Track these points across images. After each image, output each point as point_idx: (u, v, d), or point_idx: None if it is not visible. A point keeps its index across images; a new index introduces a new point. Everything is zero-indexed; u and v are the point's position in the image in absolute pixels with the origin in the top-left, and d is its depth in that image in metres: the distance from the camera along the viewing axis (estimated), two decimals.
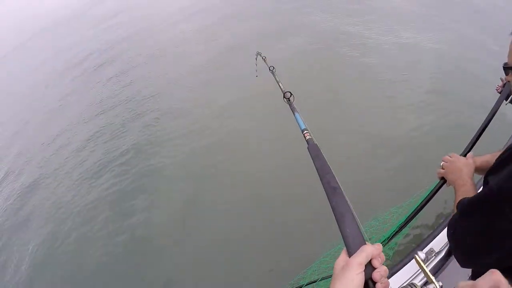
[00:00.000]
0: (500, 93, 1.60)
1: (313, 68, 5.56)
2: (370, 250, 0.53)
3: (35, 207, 4.56)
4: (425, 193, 1.40)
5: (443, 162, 1.31)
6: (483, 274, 0.61)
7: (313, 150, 0.81)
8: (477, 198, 0.78)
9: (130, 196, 4.04)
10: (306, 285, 1.48)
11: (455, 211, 0.98)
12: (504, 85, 1.65)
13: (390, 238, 1.35)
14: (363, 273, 0.52)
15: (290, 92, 1.17)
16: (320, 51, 6.02)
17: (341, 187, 0.66)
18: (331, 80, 5.16)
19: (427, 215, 2.63)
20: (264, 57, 2.13)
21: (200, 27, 8.79)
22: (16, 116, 7.67)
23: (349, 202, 0.62)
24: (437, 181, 1.36)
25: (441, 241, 1.51)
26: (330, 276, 1.56)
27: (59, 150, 5.61)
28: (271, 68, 1.72)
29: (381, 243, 1.34)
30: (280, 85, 1.43)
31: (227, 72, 6.07)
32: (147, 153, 4.68)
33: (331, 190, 0.66)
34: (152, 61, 7.80)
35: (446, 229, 1.58)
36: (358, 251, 0.53)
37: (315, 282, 1.49)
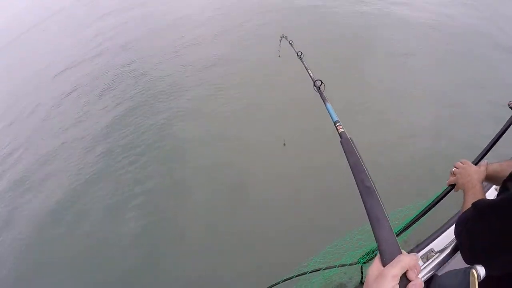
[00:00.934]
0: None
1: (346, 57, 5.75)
2: (407, 261, 0.49)
3: None
4: (431, 198, 1.44)
5: (454, 168, 1.35)
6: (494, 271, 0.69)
7: (347, 145, 0.73)
8: (498, 201, 0.82)
9: None
10: (310, 272, 1.55)
11: (463, 211, 1.03)
12: None
13: None
14: (398, 286, 0.48)
15: (320, 81, 1.04)
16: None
17: (375, 187, 0.60)
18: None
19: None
20: (290, 41, 1.88)
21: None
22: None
23: (383, 204, 0.57)
24: (444, 187, 1.40)
25: (440, 242, 1.58)
26: (334, 267, 1.64)
27: None
28: (299, 54, 1.53)
29: None
30: (310, 72, 1.29)
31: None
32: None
33: (365, 190, 0.60)
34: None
35: (446, 231, 1.65)
36: (394, 260, 0.49)
37: (319, 270, 1.55)
